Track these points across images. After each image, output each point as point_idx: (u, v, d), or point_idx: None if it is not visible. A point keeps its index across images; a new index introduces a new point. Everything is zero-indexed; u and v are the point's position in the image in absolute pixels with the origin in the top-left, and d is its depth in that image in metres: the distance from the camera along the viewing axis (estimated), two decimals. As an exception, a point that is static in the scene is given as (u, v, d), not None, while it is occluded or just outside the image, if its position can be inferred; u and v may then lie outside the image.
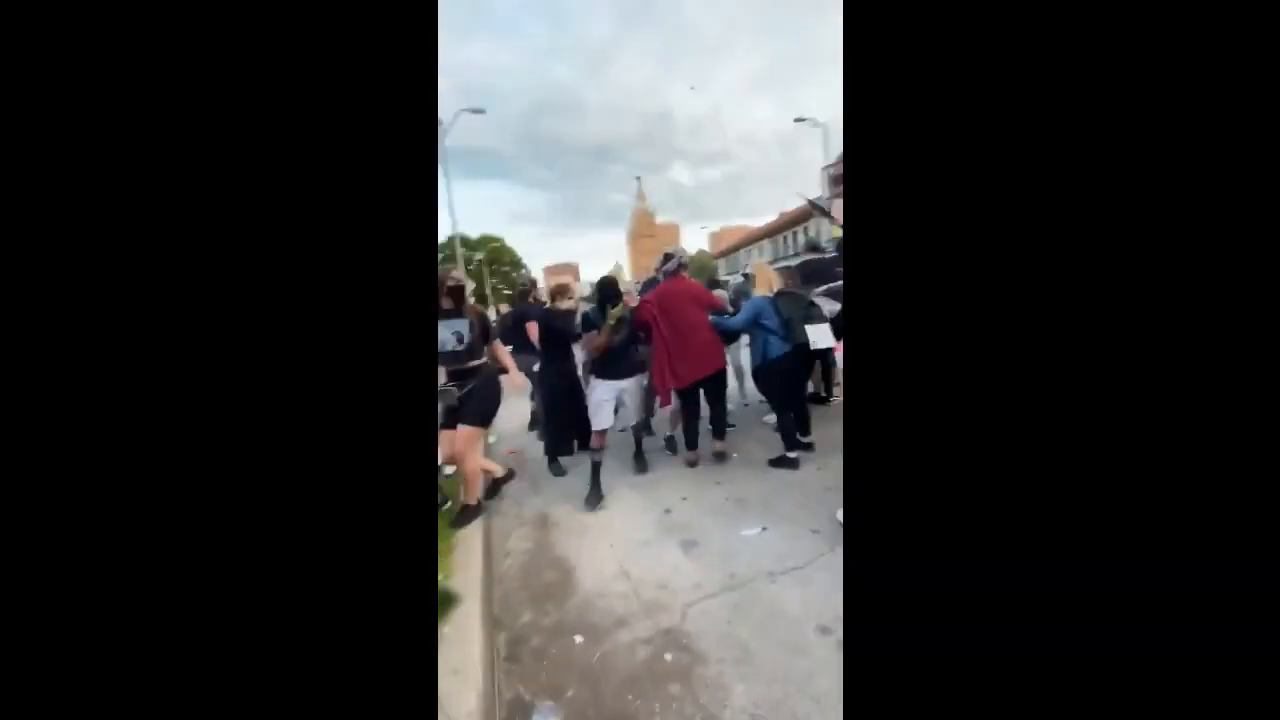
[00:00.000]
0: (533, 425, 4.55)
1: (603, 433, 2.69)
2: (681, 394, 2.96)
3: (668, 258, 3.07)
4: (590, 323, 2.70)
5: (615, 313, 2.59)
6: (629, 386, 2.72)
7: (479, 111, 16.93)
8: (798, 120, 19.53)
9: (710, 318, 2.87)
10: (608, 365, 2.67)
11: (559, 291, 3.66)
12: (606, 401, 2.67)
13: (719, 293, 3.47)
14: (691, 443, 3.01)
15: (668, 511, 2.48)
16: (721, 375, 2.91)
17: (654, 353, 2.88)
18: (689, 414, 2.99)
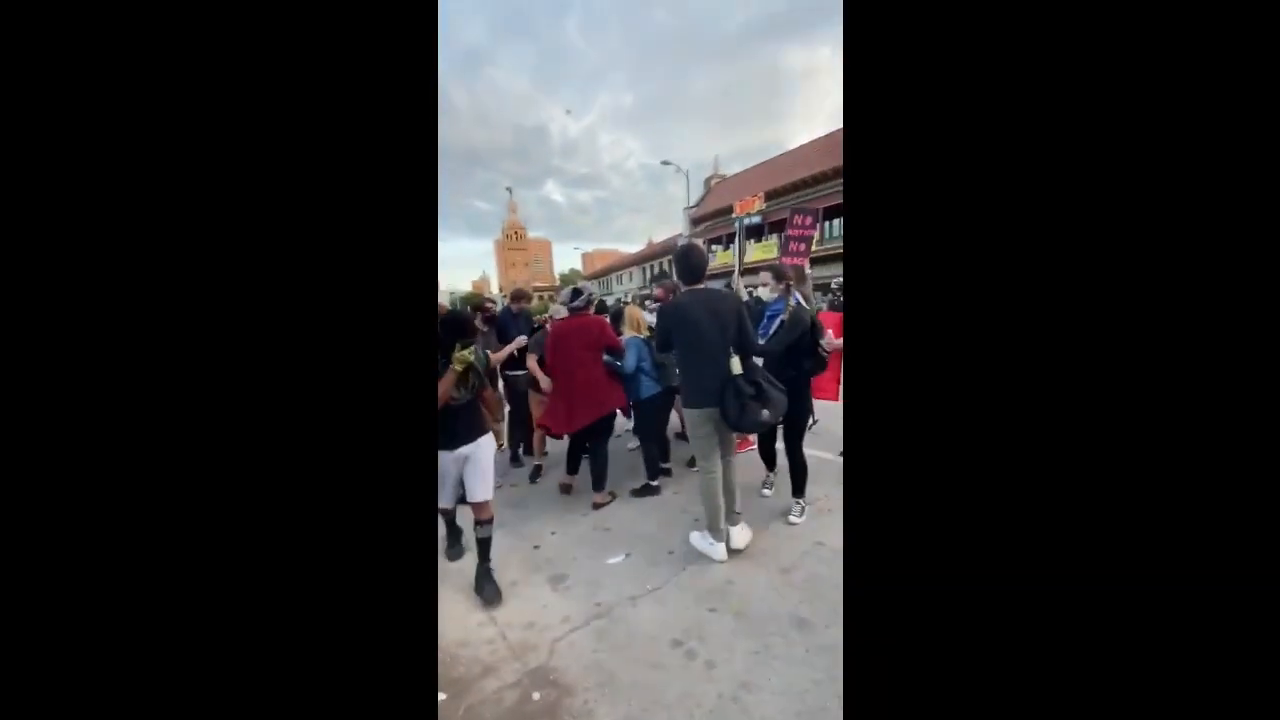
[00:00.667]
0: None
1: (447, 510, 2.27)
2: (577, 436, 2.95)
3: (576, 293, 2.98)
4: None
5: (462, 356, 1.91)
6: (472, 454, 2.08)
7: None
8: (664, 163, 21.44)
9: (605, 358, 2.86)
10: (446, 427, 2.01)
11: None
12: (446, 476, 2.09)
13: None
14: (598, 483, 2.92)
15: (536, 548, 2.52)
16: (607, 421, 2.91)
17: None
18: (595, 451, 2.94)
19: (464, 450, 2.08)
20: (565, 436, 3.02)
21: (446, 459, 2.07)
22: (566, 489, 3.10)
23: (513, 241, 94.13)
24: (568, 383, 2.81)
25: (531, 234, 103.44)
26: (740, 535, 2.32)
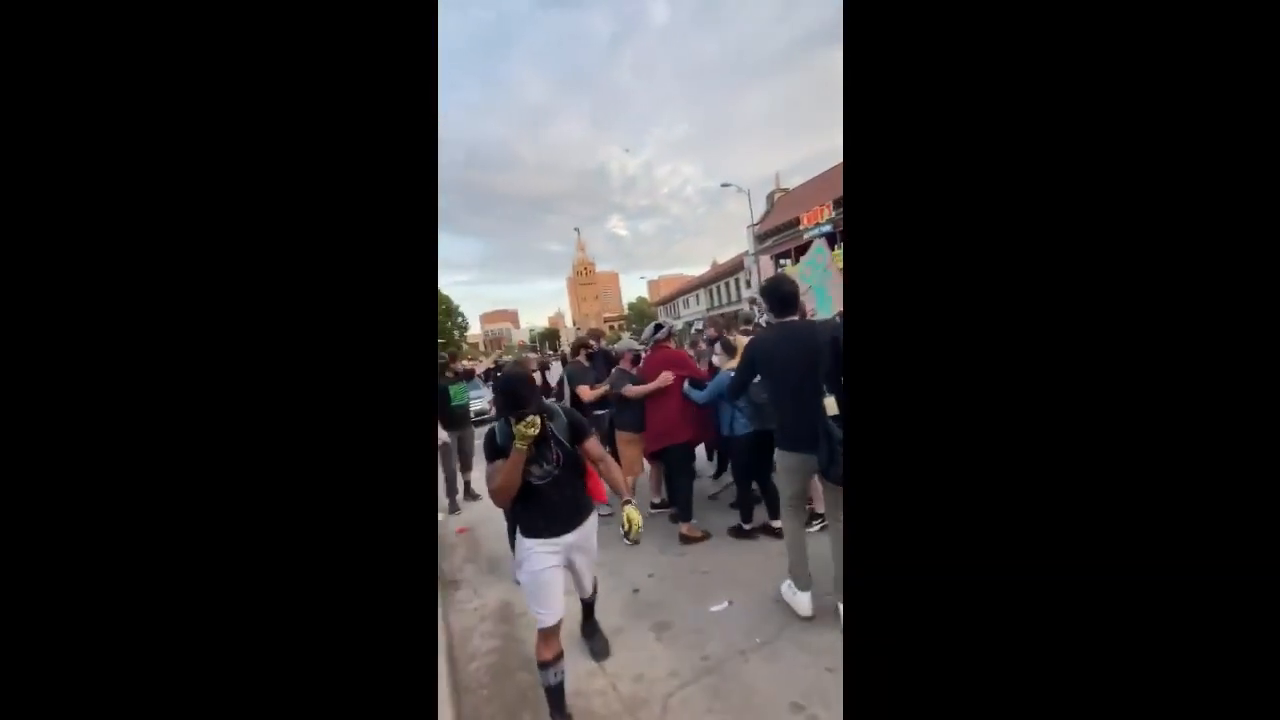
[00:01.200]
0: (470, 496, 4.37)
1: (554, 630, 1.54)
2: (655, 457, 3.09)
3: (657, 327, 3.19)
4: (496, 446, 1.55)
5: (525, 430, 1.41)
6: (577, 541, 1.62)
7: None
8: (724, 185, 21.52)
9: (685, 388, 2.96)
10: (536, 513, 1.57)
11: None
12: (550, 570, 1.56)
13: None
14: (684, 513, 2.97)
15: (636, 591, 2.50)
16: (686, 448, 2.97)
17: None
18: (671, 481, 3.07)
19: (570, 538, 1.59)
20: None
21: (543, 556, 1.54)
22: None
23: (583, 277, 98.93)
24: (652, 410, 2.98)
25: (600, 268, 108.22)
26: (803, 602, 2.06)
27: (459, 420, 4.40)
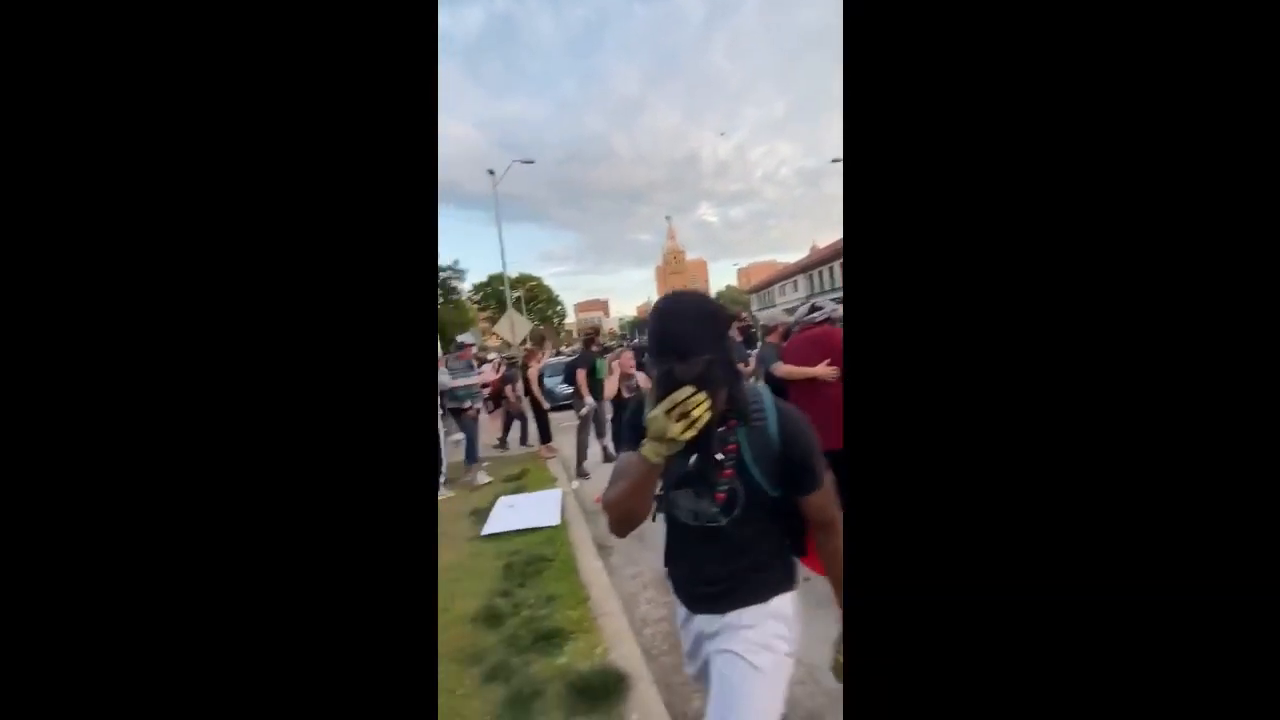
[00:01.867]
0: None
1: None
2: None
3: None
4: (635, 425, 0.90)
5: (672, 424, 0.74)
6: (715, 630, 0.93)
7: (529, 162, 18.10)
8: (834, 161, 19.88)
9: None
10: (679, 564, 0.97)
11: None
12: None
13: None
14: None
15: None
16: (836, 458, 2.52)
17: None
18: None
19: (704, 623, 0.93)
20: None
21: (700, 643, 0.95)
22: None
23: (673, 266, 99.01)
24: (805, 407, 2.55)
25: (688, 256, 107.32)
26: None
27: (601, 390, 4.74)
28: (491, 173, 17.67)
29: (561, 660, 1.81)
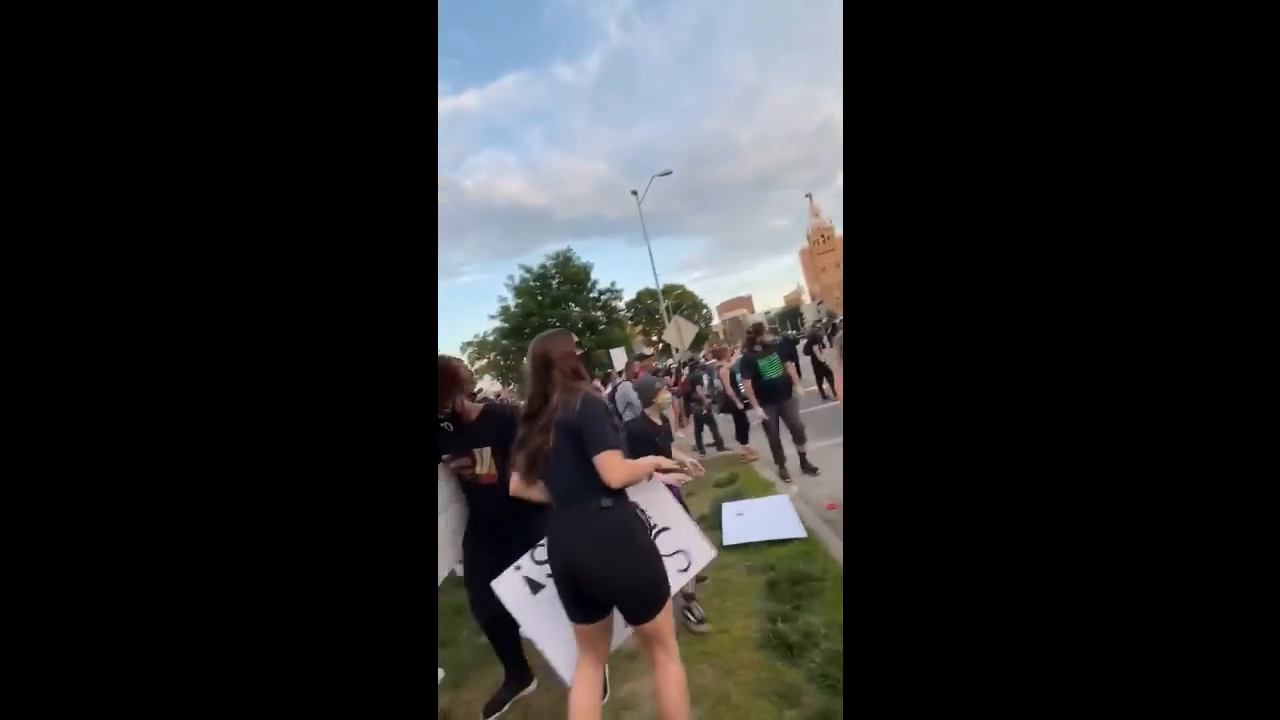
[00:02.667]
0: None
1: None
2: None
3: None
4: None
5: None
6: None
7: (667, 173, 18.58)
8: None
9: None
10: None
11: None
12: None
13: None
14: None
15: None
16: None
17: None
18: None
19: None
20: None
21: None
22: None
23: (820, 245, 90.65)
24: None
25: (838, 230, 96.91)
26: None
27: (780, 391, 4.24)
28: (635, 193, 18.64)
29: (909, 718, 1.45)
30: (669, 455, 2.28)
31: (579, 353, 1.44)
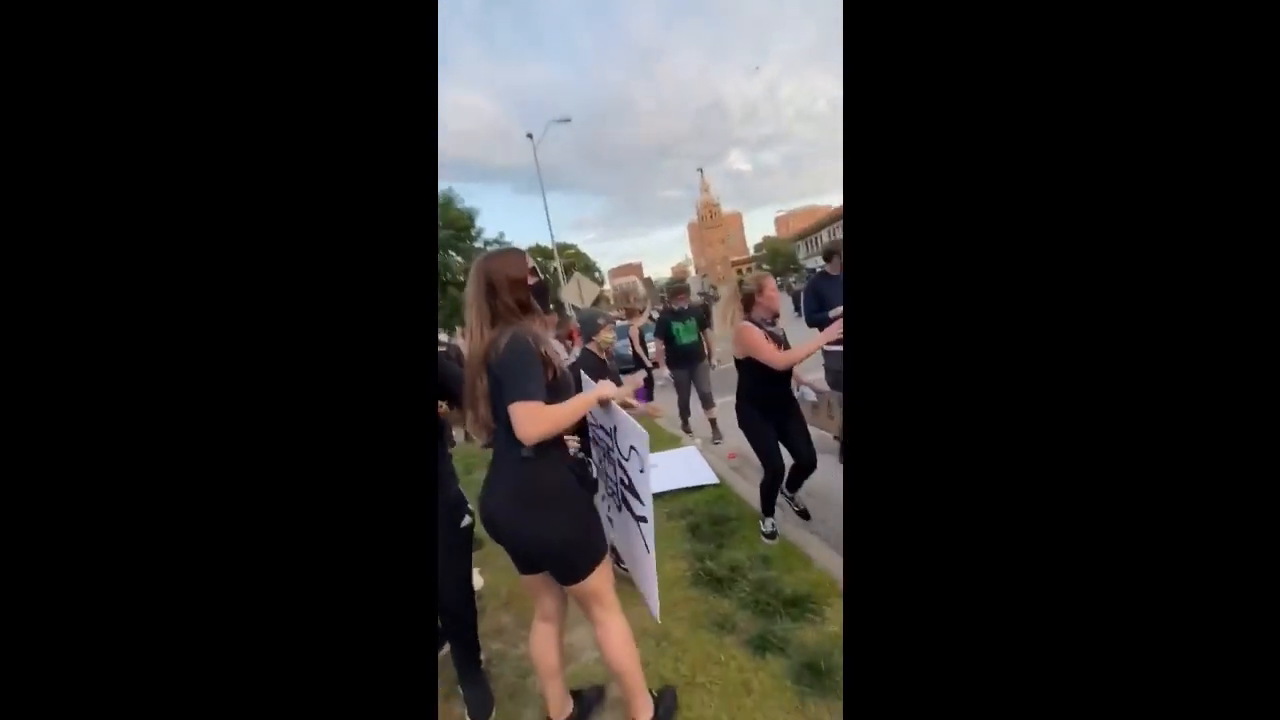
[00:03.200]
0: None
1: None
2: None
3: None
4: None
5: None
6: None
7: (565, 120, 17.42)
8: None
9: None
10: None
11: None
12: None
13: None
14: None
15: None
16: None
17: None
18: None
19: None
20: None
21: None
22: None
23: (708, 221, 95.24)
24: None
25: (722, 210, 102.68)
26: None
27: (693, 356, 4.29)
28: (530, 136, 17.15)
29: (832, 628, 1.64)
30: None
31: (533, 280, 1.21)
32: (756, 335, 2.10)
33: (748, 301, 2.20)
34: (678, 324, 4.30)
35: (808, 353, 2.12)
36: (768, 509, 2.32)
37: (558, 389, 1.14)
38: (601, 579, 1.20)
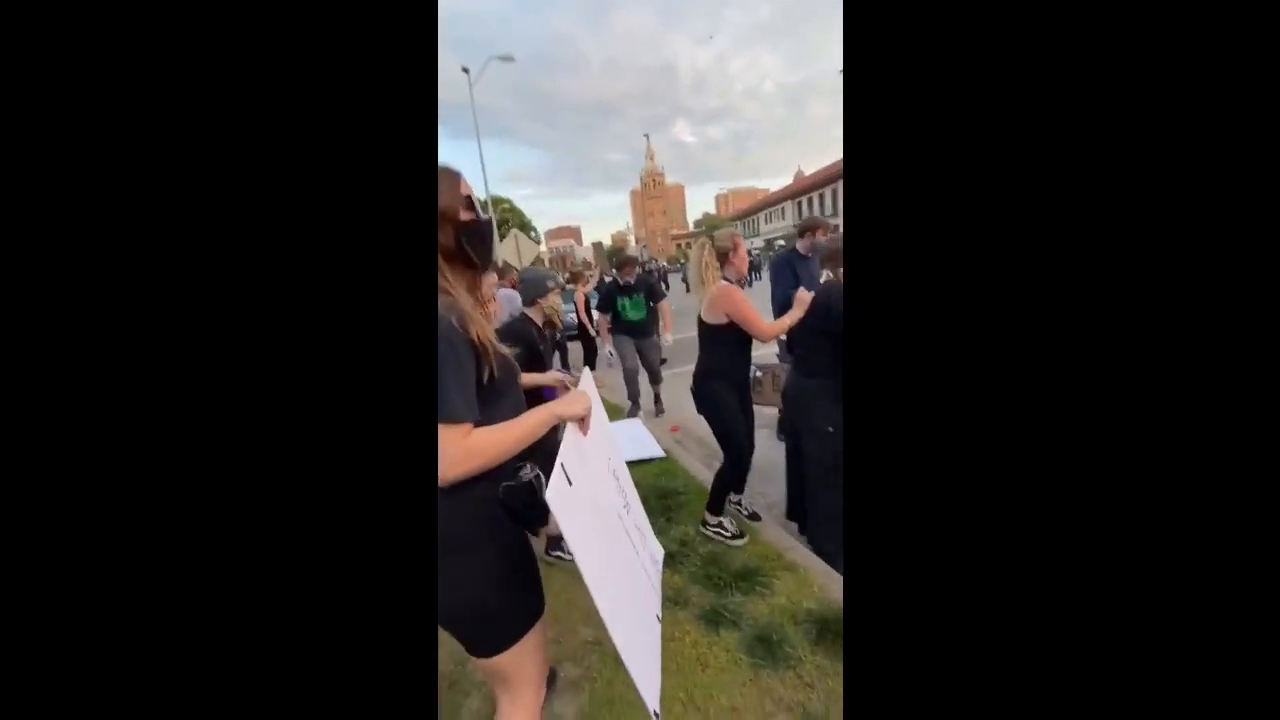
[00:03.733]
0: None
1: None
2: None
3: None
4: None
5: None
6: None
7: (508, 58, 15.85)
8: (837, 72, 18.44)
9: None
10: None
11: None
12: None
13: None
14: None
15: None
16: None
17: None
18: None
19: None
20: None
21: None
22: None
23: (651, 190, 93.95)
24: None
25: (666, 180, 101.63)
26: None
27: (640, 332, 4.15)
28: (466, 71, 15.48)
29: (781, 600, 1.69)
30: (549, 368, 1.96)
31: (467, 216, 0.82)
32: (743, 298, 1.87)
33: (721, 261, 1.97)
34: (624, 299, 4.08)
35: (791, 323, 1.93)
36: (717, 505, 2.08)
37: (497, 394, 0.81)
38: (513, 662, 0.88)
